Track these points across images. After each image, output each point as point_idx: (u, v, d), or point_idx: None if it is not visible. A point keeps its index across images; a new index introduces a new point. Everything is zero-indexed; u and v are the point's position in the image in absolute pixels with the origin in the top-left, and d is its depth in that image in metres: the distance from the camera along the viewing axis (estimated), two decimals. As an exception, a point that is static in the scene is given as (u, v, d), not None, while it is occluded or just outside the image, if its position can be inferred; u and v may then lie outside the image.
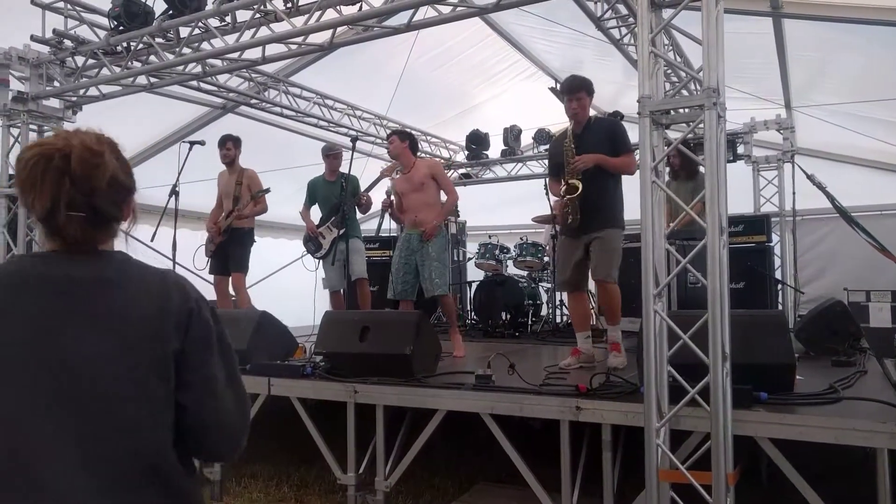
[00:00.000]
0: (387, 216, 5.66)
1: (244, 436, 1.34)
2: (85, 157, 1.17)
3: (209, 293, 6.06)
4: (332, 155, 6.12)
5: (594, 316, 7.59)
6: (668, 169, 6.17)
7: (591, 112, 4.54)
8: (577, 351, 4.43)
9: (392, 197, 5.44)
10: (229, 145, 5.93)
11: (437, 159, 6.04)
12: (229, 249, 5.92)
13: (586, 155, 4.24)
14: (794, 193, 7.25)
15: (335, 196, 5.84)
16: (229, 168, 6.00)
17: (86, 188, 1.17)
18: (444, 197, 5.27)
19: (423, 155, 5.45)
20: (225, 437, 1.30)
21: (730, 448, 2.70)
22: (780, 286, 7.27)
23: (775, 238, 7.51)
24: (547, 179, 7.05)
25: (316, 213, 6.17)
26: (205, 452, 1.32)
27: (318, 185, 6.16)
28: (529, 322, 7.07)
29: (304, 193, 6.21)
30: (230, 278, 5.97)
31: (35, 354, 1.13)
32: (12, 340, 1.14)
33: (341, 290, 5.98)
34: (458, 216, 9.23)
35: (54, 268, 1.19)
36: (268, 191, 5.94)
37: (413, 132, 9.08)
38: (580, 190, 4.26)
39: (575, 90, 4.35)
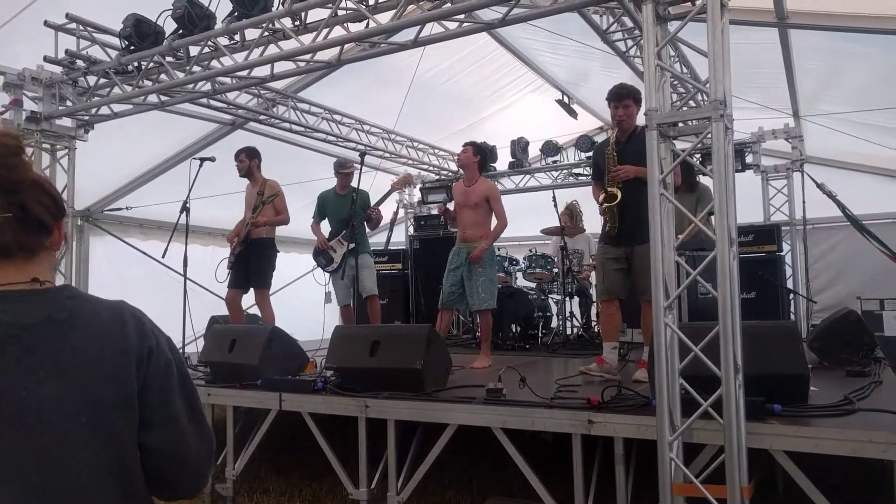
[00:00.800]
0: (395, 227, 5.79)
1: (208, 471, 1.30)
2: (8, 145, 1.10)
3: (222, 309, 6.07)
4: (343, 172, 6.11)
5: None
6: None
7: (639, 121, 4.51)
8: (602, 360, 4.40)
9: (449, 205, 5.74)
10: (242, 157, 5.89)
11: (494, 183, 6.26)
12: (251, 262, 5.79)
13: (628, 166, 4.24)
14: (803, 202, 7.23)
15: (345, 210, 5.85)
16: (251, 180, 5.96)
17: (8, 182, 1.09)
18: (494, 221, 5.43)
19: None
20: (187, 473, 1.25)
21: (744, 461, 2.67)
22: (791, 296, 7.22)
23: (786, 247, 7.48)
24: (554, 191, 7.12)
25: (326, 228, 6.19)
26: (166, 489, 1.25)
27: (328, 199, 6.17)
28: (539, 334, 7.06)
29: (314, 207, 6.24)
30: (249, 293, 5.85)
31: None
32: None
33: (351, 305, 5.98)
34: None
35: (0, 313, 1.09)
36: (275, 195, 5.83)
37: (421, 145, 9.22)
38: (619, 198, 4.27)
39: (622, 97, 4.34)
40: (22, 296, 1.11)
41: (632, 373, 4.36)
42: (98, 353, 1.12)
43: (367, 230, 6.19)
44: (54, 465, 1.06)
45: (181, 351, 5.35)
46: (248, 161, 5.88)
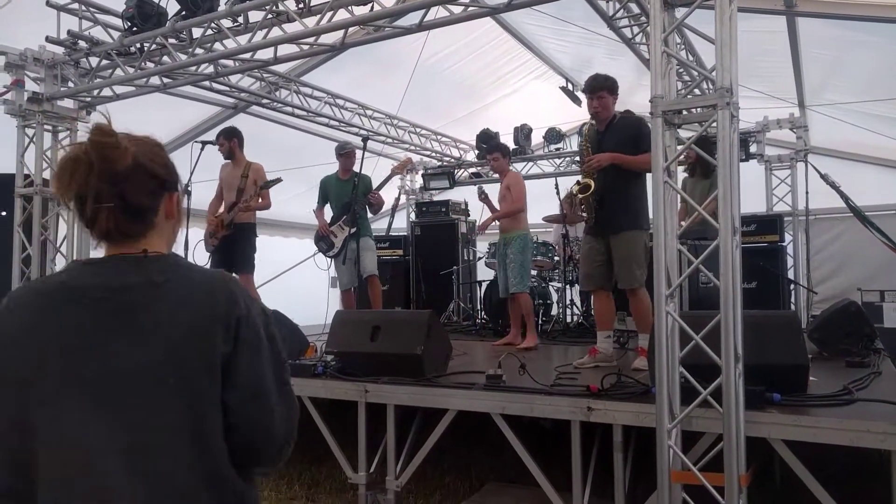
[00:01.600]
0: (396, 214, 5.87)
1: (290, 443, 1.31)
2: (97, 143, 1.17)
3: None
4: (345, 154, 6.09)
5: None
6: (685, 167, 6.15)
7: (618, 109, 4.52)
8: (595, 350, 4.42)
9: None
10: (221, 140, 5.78)
11: (517, 172, 6.68)
12: (236, 247, 5.76)
13: (601, 154, 4.26)
14: (807, 193, 7.20)
15: (347, 195, 5.85)
16: (232, 161, 5.88)
17: (109, 176, 1.17)
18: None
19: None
20: (272, 442, 1.27)
21: (742, 449, 2.68)
22: (792, 286, 7.21)
23: (788, 238, 7.47)
24: (557, 179, 7.12)
25: (328, 213, 6.18)
26: (248, 458, 1.26)
27: (330, 184, 6.16)
28: (540, 322, 7.06)
29: (315, 192, 6.23)
30: (238, 278, 5.90)
31: (86, 365, 1.13)
32: (65, 351, 1.13)
33: (352, 289, 5.98)
34: (469, 215, 9.24)
35: (103, 276, 1.19)
36: (279, 181, 5.80)
37: (424, 131, 9.18)
38: (592, 188, 4.29)
39: (596, 89, 4.36)
40: (129, 261, 1.22)
41: (631, 360, 4.37)
42: (188, 316, 1.18)
43: (370, 215, 6.17)
44: (142, 421, 1.12)
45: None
46: (228, 142, 5.79)
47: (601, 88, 4.35)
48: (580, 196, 4.39)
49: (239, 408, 1.20)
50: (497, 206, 5.97)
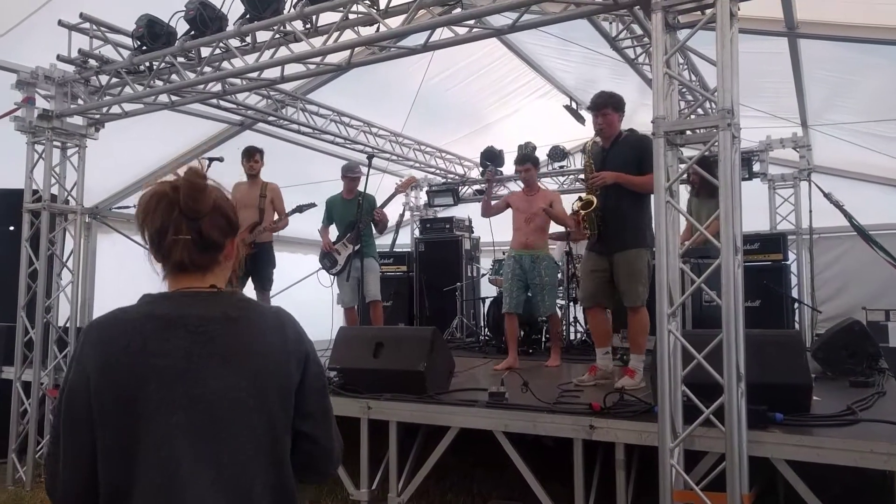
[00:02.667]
0: (401, 230, 5.84)
1: (340, 460, 1.49)
2: (190, 183, 1.30)
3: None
4: (350, 177, 6.15)
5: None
6: (688, 187, 6.16)
7: (625, 127, 4.55)
8: (595, 368, 4.41)
9: (496, 194, 5.96)
10: (257, 157, 6.02)
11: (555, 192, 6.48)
12: (257, 265, 5.93)
13: (606, 172, 4.27)
14: (810, 211, 7.20)
15: (351, 214, 5.89)
16: (251, 180, 6.03)
17: (191, 212, 1.30)
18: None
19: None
20: (333, 459, 1.45)
21: (745, 469, 2.68)
22: (796, 305, 7.20)
23: (792, 256, 7.46)
24: (560, 196, 7.14)
25: (334, 233, 6.22)
26: (312, 473, 1.44)
27: (335, 204, 6.21)
28: (543, 339, 7.05)
29: (322, 208, 6.28)
30: (255, 295, 5.95)
31: (181, 387, 1.24)
32: (162, 375, 1.24)
33: (355, 307, 6.00)
34: (472, 232, 9.28)
35: (186, 308, 1.31)
36: (313, 205, 6.06)
37: (428, 148, 9.25)
38: (594, 205, 4.32)
39: (600, 107, 4.39)
40: (203, 296, 1.35)
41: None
42: (264, 348, 1.32)
43: (375, 233, 6.21)
44: (227, 443, 1.24)
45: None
46: (262, 161, 6.01)
47: (606, 105, 4.37)
48: (582, 212, 4.40)
49: (314, 432, 1.38)
50: (515, 216, 5.73)
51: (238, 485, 1.24)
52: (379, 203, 6.11)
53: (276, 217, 6.05)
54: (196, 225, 1.31)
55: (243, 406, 1.26)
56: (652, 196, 4.26)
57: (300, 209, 5.99)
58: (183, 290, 1.34)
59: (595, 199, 4.33)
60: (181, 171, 1.34)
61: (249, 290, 6.07)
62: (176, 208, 1.29)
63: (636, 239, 4.23)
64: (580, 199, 4.47)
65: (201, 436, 1.23)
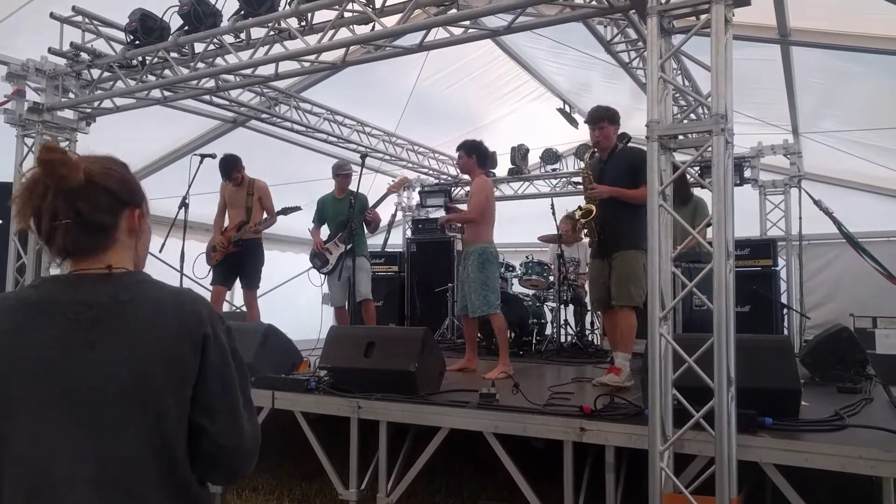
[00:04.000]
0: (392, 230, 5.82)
1: (255, 457, 1.34)
2: (47, 158, 1.17)
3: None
4: (343, 174, 6.12)
5: (598, 337, 7.61)
6: None
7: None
8: (613, 368, 4.45)
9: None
10: (235, 174, 5.89)
11: (486, 179, 5.86)
12: (242, 263, 5.90)
13: (602, 186, 4.42)
14: (800, 218, 7.25)
15: (343, 213, 5.87)
16: (238, 185, 6.01)
17: (62, 192, 1.18)
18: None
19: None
20: (239, 460, 1.30)
21: (734, 473, 2.69)
22: (785, 311, 7.25)
23: (781, 262, 7.52)
24: (553, 199, 7.18)
25: (325, 232, 6.20)
26: (217, 473, 1.32)
27: (326, 203, 6.18)
28: (534, 341, 7.06)
29: (313, 207, 6.25)
30: (242, 292, 5.93)
31: (53, 380, 1.14)
32: (32, 367, 1.15)
33: (346, 306, 5.98)
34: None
35: (70, 292, 1.20)
36: (298, 209, 5.98)
37: (421, 149, 9.24)
38: (594, 213, 4.47)
39: (597, 120, 4.51)
40: (92, 279, 1.22)
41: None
42: (155, 334, 1.19)
43: (367, 233, 6.20)
44: (109, 436, 1.14)
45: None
46: (241, 174, 5.96)
47: (602, 119, 4.49)
48: (582, 221, 4.57)
49: (213, 428, 1.23)
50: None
51: (124, 486, 1.13)
52: (371, 203, 6.09)
53: (264, 215, 6.00)
54: (73, 205, 1.19)
55: (127, 398, 1.14)
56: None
57: (285, 212, 5.94)
58: (74, 272, 1.24)
59: (594, 208, 4.47)
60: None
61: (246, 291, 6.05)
62: (47, 192, 1.17)
63: (632, 241, 4.29)
64: (580, 208, 4.63)
65: (79, 433, 1.12)
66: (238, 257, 5.88)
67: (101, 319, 1.18)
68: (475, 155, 5.26)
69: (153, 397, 1.16)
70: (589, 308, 7.80)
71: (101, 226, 1.23)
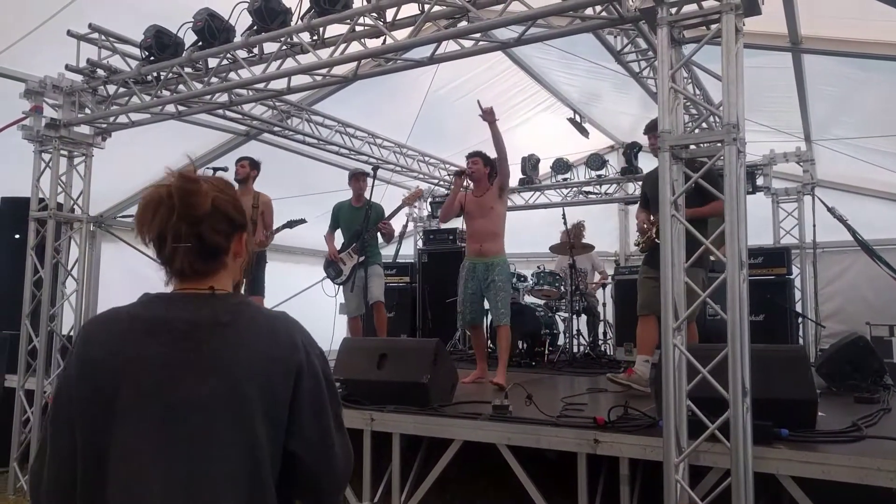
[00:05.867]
0: (404, 241, 5.73)
1: (348, 480, 1.38)
2: (182, 185, 1.23)
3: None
4: (356, 175, 6.11)
5: (612, 347, 7.57)
6: None
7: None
8: (632, 371, 4.49)
9: (465, 185, 5.40)
10: (244, 163, 5.95)
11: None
12: (253, 274, 5.86)
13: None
14: (814, 226, 7.20)
15: (358, 222, 5.87)
16: (242, 187, 5.94)
17: (188, 217, 1.23)
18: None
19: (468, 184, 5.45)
20: (334, 483, 1.33)
21: (750, 485, 2.66)
22: (800, 319, 7.18)
23: (795, 270, 7.45)
24: (564, 209, 7.14)
25: (339, 239, 6.20)
26: (312, 497, 1.34)
27: (342, 210, 6.15)
28: (546, 352, 7.04)
29: (325, 219, 6.27)
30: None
31: (156, 396, 1.18)
32: (137, 381, 1.19)
33: (359, 316, 5.98)
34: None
35: (175, 311, 1.25)
36: (303, 221, 6.00)
37: (432, 160, 9.27)
38: (651, 233, 4.47)
39: (654, 129, 4.40)
40: (197, 299, 1.28)
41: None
42: (249, 356, 1.23)
43: (381, 242, 6.19)
44: (202, 453, 1.17)
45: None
46: (250, 169, 5.96)
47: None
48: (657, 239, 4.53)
49: (306, 454, 1.26)
50: (469, 221, 5.39)
51: (212, 502, 1.16)
52: (387, 215, 6.10)
53: (264, 231, 5.94)
54: (196, 230, 1.25)
55: (222, 418, 1.18)
56: (710, 219, 4.29)
57: (290, 225, 5.93)
58: (179, 291, 1.29)
59: (654, 234, 4.44)
60: (173, 174, 1.26)
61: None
62: (173, 214, 1.22)
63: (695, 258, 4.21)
64: (654, 225, 4.53)
65: (172, 448, 1.17)
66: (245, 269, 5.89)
67: (202, 339, 1.21)
68: (490, 167, 5.36)
69: (247, 418, 1.19)
70: (602, 318, 7.79)
71: (217, 250, 1.29)
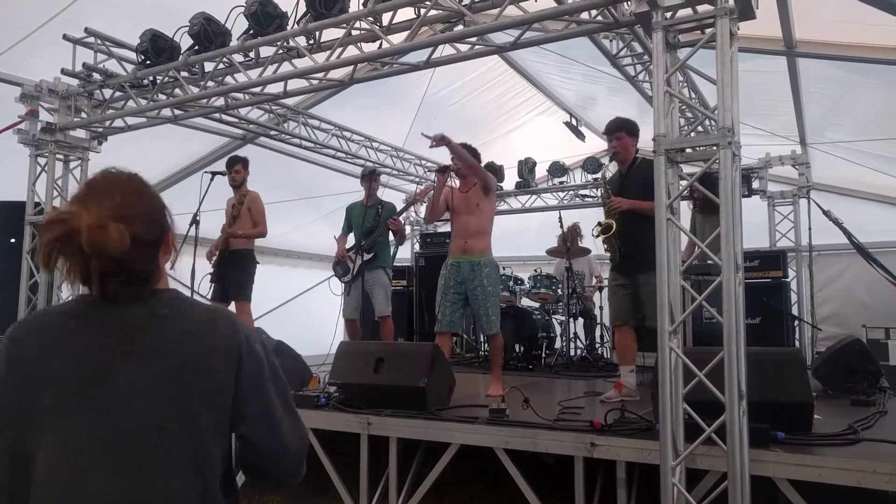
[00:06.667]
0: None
1: (303, 461, 1.39)
2: (92, 238, 1.14)
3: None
4: (366, 176, 6.04)
5: (608, 351, 7.58)
6: (691, 203, 6.14)
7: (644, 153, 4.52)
8: (620, 385, 4.38)
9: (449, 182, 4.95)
10: (239, 167, 5.88)
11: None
12: (229, 274, 5.77)
13: (621, 198, 4.34)
14: (809, 229, 7.22)
15: (369, 220, 5.80)
16: (236, 191, 5.98)
17: (110, 261, 1.17)
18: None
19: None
20: (285, 464, 1.35)
21: (747, 488, 2.66)
22: (796, 322, 7.19)
23: (791, 273, 7.46)
24: (560, 212, 7.18)
25: (351, 240, 6.12)
26: (268, 479, 1.37)
27: (354, 209, 6.05)
28: (543, 355, 7.04)
29: (324, 222, 6.25)
30: (233, 306, 5.77)
31: (90, 392, 1.17)
32: (74, 375, 1.18)
33: (357, 320, 5.92)
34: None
35: (110, 308, 1.22)
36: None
37: (429, 163, 9.26)
38: (613, 229, 4.37)
39: (613, 130, 4.44)
40: (137, 297, 1.25)
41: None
42: (190, 347, 1.23)
43: (394, 243, 6.05)
44: (144, 445, 1.17)
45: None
46: (245, 172, 5.94)
47: (619, 129, 4.43)
48: (603, 237, 4.45)
49: (253, 436, 1.29)
50: (455, 218, 4.96)
51: (152, 493, 1.16)
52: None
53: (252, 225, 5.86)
54: (123, 266, 1.18)
55: (161, 410, 1.18)
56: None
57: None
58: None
59: (614, 224, 4.37)
60: (81, 215, 1.14)
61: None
62: (91, 259, 1.14)
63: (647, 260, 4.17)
64: (599, 224, 4.50)
65: (110, 441, 1.16)
66: (226, 268, 5.78)
67: (138, 333, 1.21)
68: (477, 159, 4.99)
69: (189, 409, 1.20)
70: (599, 322, 7.79)
71: (150, 273, 1.27)
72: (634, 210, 4.25)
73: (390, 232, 5.86)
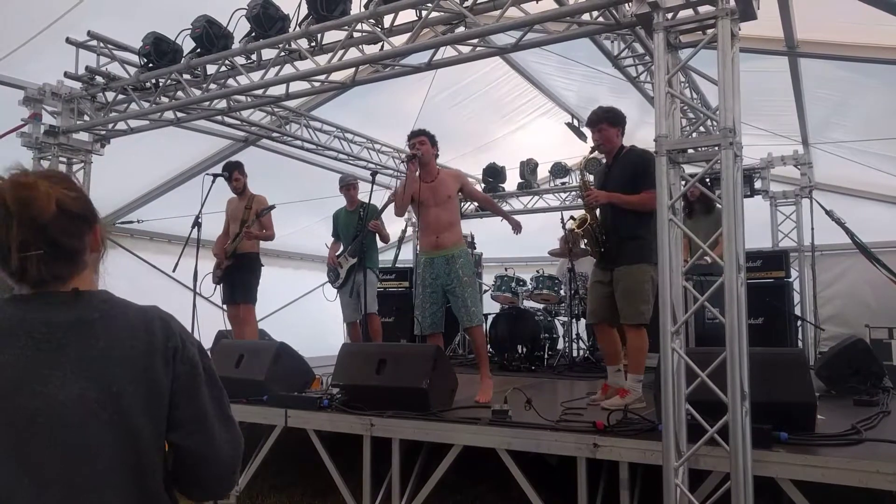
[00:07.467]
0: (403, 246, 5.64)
1: (237, 470, 1.33)
2: (17, 193, 1.13)
3: (224, 322, 6.10)
4: (345, 186, 6.22)
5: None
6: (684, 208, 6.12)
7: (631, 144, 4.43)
8: (607, 386, 4.34)
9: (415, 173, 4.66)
10: (237, 175, 5.95)
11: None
12: (236, 277, 5.87)
13: (598, 191, 4.26)
14: (812, 229, 7.21)
15: (353, 226, 5.92)
16: (239, 195, 6.05)
17: (32, 224, 1.13)
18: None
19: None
20: (216, 473, 1.29)
21: (750, 489, 2.66)
22: (799, 323, 7.18)
23: (794, 273, 7.46)
24: (562, 213, 7.18)
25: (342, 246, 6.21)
26: (196, 489, 1.30)
27: (339, 217, 6.26)
28: (546, 356, 7.04)
29: (324, 224, 6.30)
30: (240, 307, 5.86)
31: (15, 404, 1.11)
32: None
33: (358, 322, 5.97)
34: (475, 248, 9.28)
35: (33, 312, 1.17)
36: (272, 207, 5.91)
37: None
38: (588, 221, 4.28)
39: (595, 122, 4.33)
40: (60, 298, 1.19)
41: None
42: (123, 352, 1.17)
43: (380, 243, 6.16)
44: (77, 457, 1.11)
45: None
46: (243, 177, 6.00)
47: (601, 121, 4.30)
48: (578, 230, 4.37)
49: (183, 441, 1.23)
50: (422, 211, 4.65)
51: None
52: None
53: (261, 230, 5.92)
54: (45, 236, 1.14)
55: (94, 419, 1.11)
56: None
57: (262, 213, 5.77)
58: (39, 292, 1.19)
59: (588, 217, 4.27)
60: (1, 179, 1.14)
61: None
62: (12, 222, 1.11)
63: (638, 254, 4.08)
64: (572, 218, 4.42)
65: (42, 455, 1.09)
66: (233, 270, 5.88)
67: (68, 339, 1.15)
68: (436, 146, 4.82)
69: (124, 416, 1.14)
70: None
71: (74, 251, 1.21)
72: (613, 203, 4.17)
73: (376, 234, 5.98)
